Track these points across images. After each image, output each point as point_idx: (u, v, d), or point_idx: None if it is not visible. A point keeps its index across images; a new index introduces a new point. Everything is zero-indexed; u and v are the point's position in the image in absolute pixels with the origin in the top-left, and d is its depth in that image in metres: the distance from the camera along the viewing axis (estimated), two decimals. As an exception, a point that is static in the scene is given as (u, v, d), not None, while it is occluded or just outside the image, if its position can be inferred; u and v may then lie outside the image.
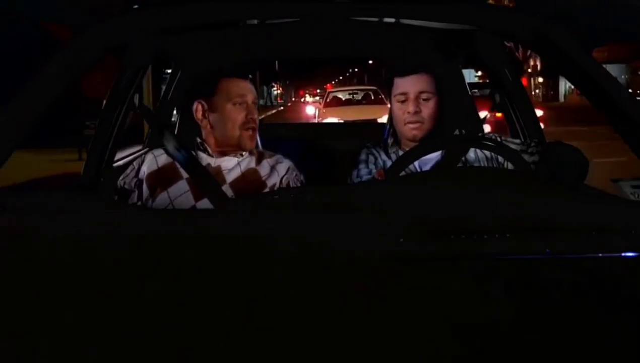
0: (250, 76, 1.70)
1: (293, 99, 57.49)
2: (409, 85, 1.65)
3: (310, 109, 19.24)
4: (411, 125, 1.63)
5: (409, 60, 1.70)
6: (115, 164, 1.97)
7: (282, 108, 39.17)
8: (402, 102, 1.65)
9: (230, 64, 2.50)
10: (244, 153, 1.64)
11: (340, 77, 71.87)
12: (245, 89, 1.63)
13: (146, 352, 0.68)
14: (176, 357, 0.67)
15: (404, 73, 1.66)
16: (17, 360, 0.67)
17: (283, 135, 2.61)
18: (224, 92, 1.60)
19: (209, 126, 1.62)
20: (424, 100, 1.63)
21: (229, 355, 0.68)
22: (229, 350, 0.68)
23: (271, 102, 43.46)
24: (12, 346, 0.69)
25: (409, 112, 1.63)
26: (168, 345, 0.68)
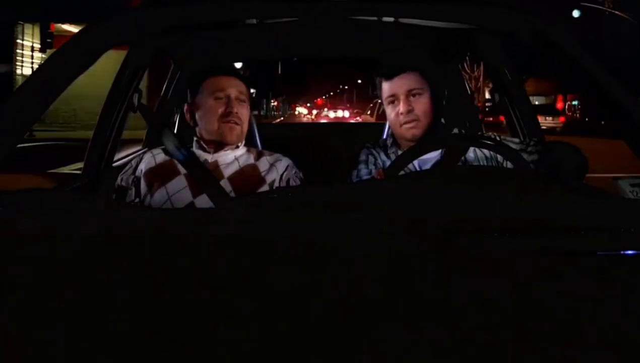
0: (241, 74, 1.69)
1: (289, 112, 63.33)
2: (396, 86, 1.64)
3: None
4: (407, 125, 1.62)
5: (395, 61, 1.69)
6: (115, 164, 1.97)
7: (282, 118, 45.54)
8: (393, 103, 1.65)
9: (229, 63, 2.51)
10: (239, 146, 1.64)
11: (331, 93, 73.82)
12: (227, 84, 1.63)
13: (146, 352, 0.68)
14: (176, 357, 0.67)
15: (390, 75, 1.66)
16: (17, 361, 0.67)
17: (283, 135, 2.62)
18: (207, 89, 1.63)
19: (197, 124, 1.66)
20: (413, 96, 1.63)
21: (230, 356, 0.68)
22: (229, 350, 0.68)
23: (271, 113, 48.51)
24: (11, 346, 0.69)
25: (402, 113, 1.62)
26: (168, 345, 0.69)
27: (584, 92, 1.31)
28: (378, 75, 1.71)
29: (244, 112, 1.63)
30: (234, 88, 1.63)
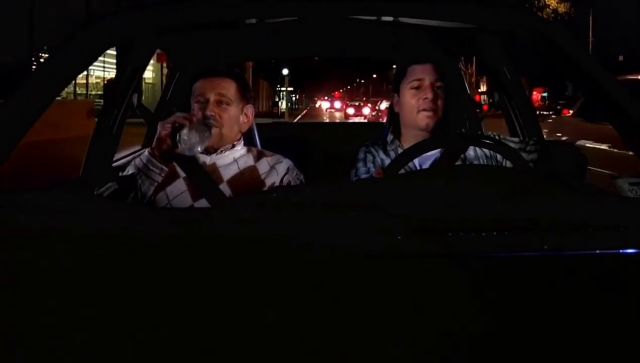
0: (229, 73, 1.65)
1: (311, 105, 71.29)
2: (426, 71, 1.64)
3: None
4: (426, 113, 1.62)
5: (425, 52, 1.69)
6: (114, 164, 1.97)
7: (306, 110, 52.69)
8: (417, 88, 1.64)
9: (219, 64, 2.50)
10: (236, 146, 1.63)
11: (348, 87, 76.81)
12: (208, 86, 1.59)
13: (145, 352, 0.68)
14: (175, 357, 0.67)
15: (421, 61, 1.66)
16: (16, 361, 0.67)
17: (283, 135, 2.62)
18: (194, 92, 1.61)
19: None
20: (437, 88, 1.63)
21: (229, 357, 0.68)
22: (228, 351, 0.68)
23: (297, 106, 54.59)
24: (11, 346, 0.69)
25: (425, 99, 1.62)
26: (167, 346, 0.68)
27: (583, 91, 1.31)
28: (405, 61, 1.70)
29: (224, 115, 1.58)
30: (214, 91, 1.58)
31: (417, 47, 2.28)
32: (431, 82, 1.62)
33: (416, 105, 1.63)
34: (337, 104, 52.87)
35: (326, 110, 55.62)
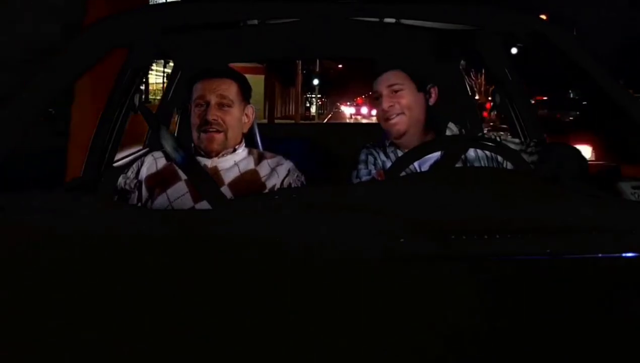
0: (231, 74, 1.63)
1: (335, 110, 74.11)
2: (379, 83, 1.67)
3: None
4: (391, 121, 1.64)
5: (380, 61, 1.71)
6: (115, 165, 1.97)
7: (330, 115, 55.77)
8: (377, 99, 1.68)
9: (219, 64, 2.50)
10: (237, 151, 1.62)
11: (369, 92, 78.55)
12: (209, 88, 1.56)
13: (144, 353, 0.68)
14: (174, 358, 0.67)
15: (377, 73, 1.68)
16: (15, 361, 0.67)
17: (283, 136, 2.62)
18: (193, 95, 1.59)
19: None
20: (395, 92, 1.64)
21: (229, 358, 0.68)
22: (227, 352, 0.68)
23: (322, 111, 57.69)
24: (10, 346, 0.69)
25: (384, 109, 1.65)
26: (166, 346, 0.68)
27: (584, 92, 1.31)
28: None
29: (227, 118, 1.57)
30: (215, 93, 1.55)
31: (415, 47, 2.28)
32: (386, 89, 1.64)
33: (383, 116, 1.66)
34: (364, 110, 52.66)
35: (350, 116, 56.37)
